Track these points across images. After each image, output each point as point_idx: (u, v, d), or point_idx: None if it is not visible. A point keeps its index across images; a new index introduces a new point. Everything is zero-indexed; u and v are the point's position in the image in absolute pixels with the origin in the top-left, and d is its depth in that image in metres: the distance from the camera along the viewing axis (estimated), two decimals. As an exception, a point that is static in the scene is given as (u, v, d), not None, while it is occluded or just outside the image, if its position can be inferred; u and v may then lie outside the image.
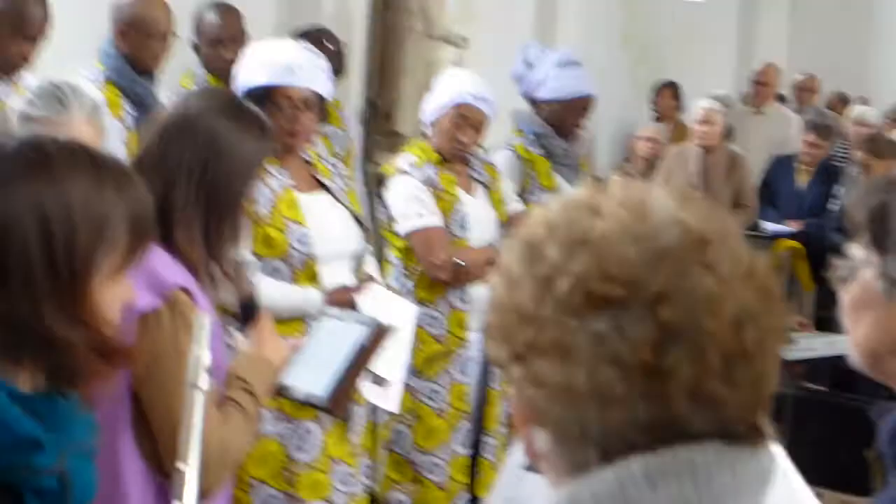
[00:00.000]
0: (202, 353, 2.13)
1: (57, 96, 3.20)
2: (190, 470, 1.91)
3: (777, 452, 1.33)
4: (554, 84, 5.51)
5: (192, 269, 2.75)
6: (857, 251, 1.86)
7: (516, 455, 2.33)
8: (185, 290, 2.67)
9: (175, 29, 5.24)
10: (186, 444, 1.94)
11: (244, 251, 2.95)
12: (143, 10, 5.17)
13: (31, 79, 4.56)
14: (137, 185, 1.81)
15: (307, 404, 3.55)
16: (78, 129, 3.15)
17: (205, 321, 2.13)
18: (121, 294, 1.77)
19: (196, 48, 5.79)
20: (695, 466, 1.25)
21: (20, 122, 3.13)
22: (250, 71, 4.06)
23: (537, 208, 1.37)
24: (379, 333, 3.56)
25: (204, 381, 2.10)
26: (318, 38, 5.92)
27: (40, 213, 1.65)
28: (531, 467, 2.37)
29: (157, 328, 2.60)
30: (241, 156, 2.84)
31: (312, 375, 3.47)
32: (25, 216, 1.65)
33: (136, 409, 2.64)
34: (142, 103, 5.11)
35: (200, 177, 2.78)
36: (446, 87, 4.95)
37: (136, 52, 5.13)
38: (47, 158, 1.70)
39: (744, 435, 1.28)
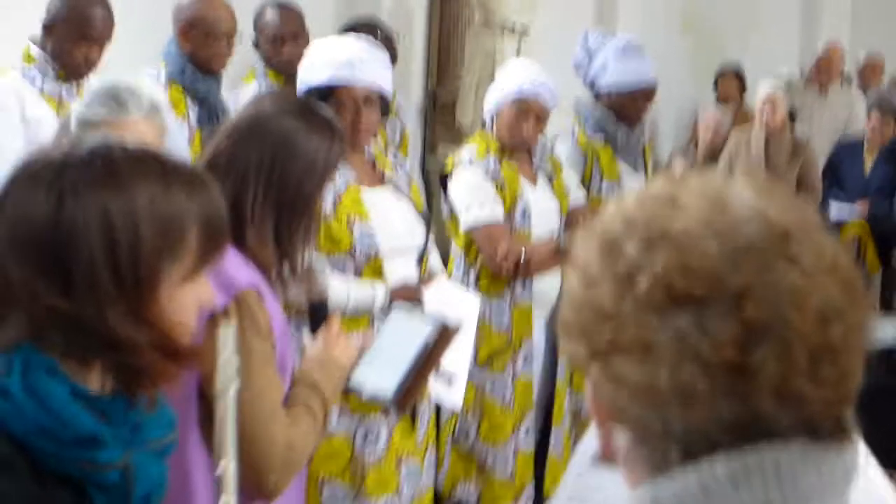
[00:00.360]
0: (231, 357, 2.15)
1: (114, 97, 3.20)
2: (230, 466, 1.92)
3: (859, 446, 1.30)
4: (615, 72, 5.48)
5: (263, 269, 2.78)
6: None
7: (584, 450, 2.33)
8: (256, 290, 2.69)
9: (237, 28, 5.27)
10: (223, 442, 1.95)
11: (314, 251, 2.96)
12: (205, 10, 5.21)
13: (96, 82, 4.62)
14: (209, 189, 1.81)
15: (373, 402, 3.57)
16: (137, 128, 3.16)
17: (230, 330, 2.14)
18: (196, 295, 1.79)
19: (257, 45, 5.82)
20: (779, 466, 1.22)
21: (79, 126, 3.13)
22: (313, 68, 4.06)
23: (612, 202, 1.34)
24: (445, 332, 3.57)
25: (234, 384, 2.11)
26: (368, 29, 5.93)
27: (106, 221, 1.67)
28: (599, 461, 2.38)
29: (223, 326, 2.62)
30: (312, 157, 2.85)
31: (378, 374, 3.48)
32: (91, 223, 1.66)
33: (204, 408, 2.66)
34: (205, 101, 5.16)
35: (271, 177, 2.80)
36: (507, 78, 4.94)
37: (198, 51, 5.17)
38: (115, 166, 1.71)
39: (829, 432, 1.25)
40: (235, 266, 2.64)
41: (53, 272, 1.66)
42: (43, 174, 1.70)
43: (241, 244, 2.70)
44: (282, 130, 2.84)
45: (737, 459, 1.22)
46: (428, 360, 3.54)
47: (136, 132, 3.12)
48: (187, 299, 1.77)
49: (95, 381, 1.73)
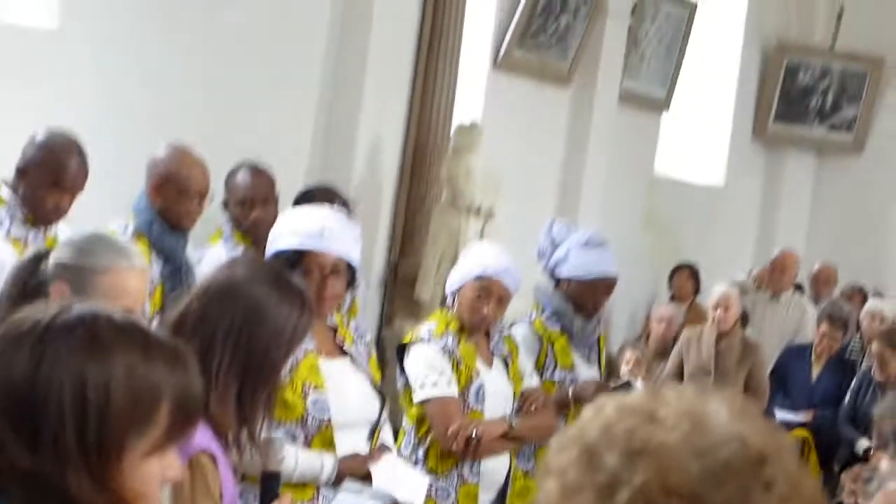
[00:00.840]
0: None
1: (112, 246, 3.17)
2: None
3: None
4: (576, 262, 5.53)
5: (221, 433, 2.78)
6: (884, 463, 1.87)
7: None
8: (210, 454, 2.69)
9: (209, 188, 5.32)
10: None
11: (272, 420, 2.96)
12: (179, 167, 5.23)
13: (65, 230, 4.63)
14: (188, 367, 1.84)
15: None
16: (140, 278, 3.14)
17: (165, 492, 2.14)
18: (161, 468, 1.80)
19: (226, 206, 5.85)
20: None
21: (64, 271, 3.06)
22: (283, 234, 4.11)
23: (591, 409, 1.35)
24: None
25: None
26: (325, 195, 6.00)
27: (79, 386, 1.69)
28: None
29: (177, 487, 2.62)
30: (281, 325, 2.88)
31: None
32: (65, 387, 1.69)
33: None
34: (171, 257, 5.16)
35: (239, 342, 2.82)
36: (472, 258, 5.00)
37: (170, 207, 5.19)
38: (98, 335, 1.74)
39: None
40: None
41: (23, 429, 1.68)
42: (28, 334, 1.74)
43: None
44: (253, 296, 2.87)
45: None
46: None
47: (139, 281, 3.12)
48: (151, 471, 1.78)
49: None
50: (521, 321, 5.61)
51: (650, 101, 10.73)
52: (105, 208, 5.22)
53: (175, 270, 5.18)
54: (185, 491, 2.64)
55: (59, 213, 4.86)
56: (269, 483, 3.11)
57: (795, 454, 1.33)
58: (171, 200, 5.18)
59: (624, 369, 7.67)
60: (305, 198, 6.04)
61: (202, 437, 2.69)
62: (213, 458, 2.71)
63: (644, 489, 1.24)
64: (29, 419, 1.68)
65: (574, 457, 1.31)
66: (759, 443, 1.28)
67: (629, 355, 7.93)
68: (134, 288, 3.08)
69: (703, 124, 11.88)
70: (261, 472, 3.12)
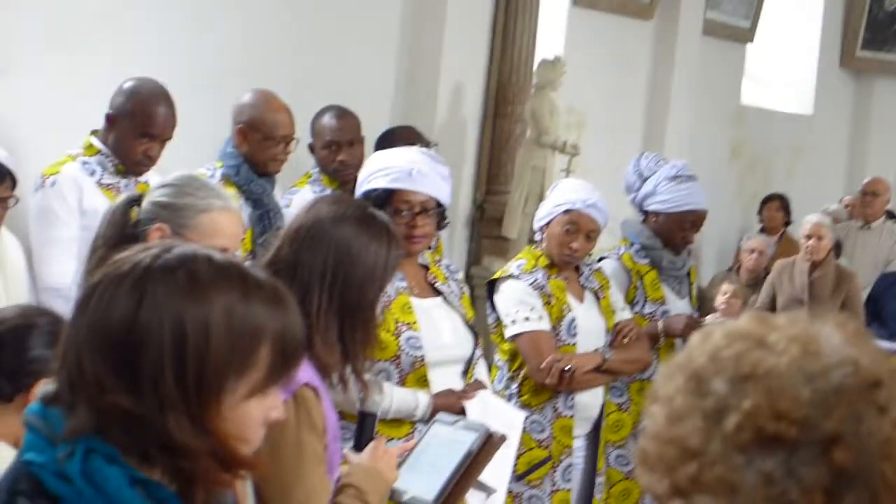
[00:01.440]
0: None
1: (210, 188, 3.19)
2: None
3: None
4: (665, 196, 5.51)
5: (324, 372, 2.81)
6: None
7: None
8: (312, 388, 2.72)
9: (295, 134, 5.35)
10: None
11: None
12: (265, 113, 5.28)
13: (156, 179, 4.69)
14: (288, 307, 1.84)
15: None
16: (235, 219, 3.17)
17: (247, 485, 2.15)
18: (264, 410, 1.81)
19: (312, 150, 5.89)
20: None
21: (161, 210, 3.09)
22: (372, 175, 4.14)
23: (698, 336, 1.34)
24: (489, 442, 3.58)
25: None
26: (406, 135, 6.00)
27: (178, 329, 1.71)
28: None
29: (280, 422, 2.64)
30: (372, 264, 2.91)
31: (420, 480, 3.49)
32: (164, 329, 1.70)
33: (255, 499, 2.69)
34: (259, 202, 5.21)
35: (335, 284, 2.85)
36: (558, 193, 4.99)
37: (255, 153, 5.23)
38: (198, 276, 1.75)
39: None
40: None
41: (122, 371, 1.70)
42: (128, 275, 1.75)
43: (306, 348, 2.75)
44: (343, 238, 2.89)
45: None
46: (470, 468, 3.54)
47: (234, 223, 3.15)
48: (252, 413, 1.79)
49: (157, 475, 1.76)
50: (609, 256, 5.60)
51: (734, 31, 10.59)
52: (194, 156, 5.25)
53: (263, 214, 5.23)
54: (290, 425, 2.67)
55: (149, 161, 4.91)
56: (366, 423, 3.14)
57: None
58: (256, 146, 5.23)
59: (720, 300, 7.62)
60: (386, 139, 6.04)
61: (305, 372, 2.73)
62: (317, 392, 2.74)
63: (753, 414, 1.23)
64: (129, 361, 1.70)
65: (681, 384, 1.30)
66: (872, 366, 1.26)
67: (725, 287, 7.87)
68: (229, 229, 3.11)
69: (789, 54, 11.72)
70: (358, 411, 3.14)
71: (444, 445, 3.60)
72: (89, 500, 1.68)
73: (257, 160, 5.24)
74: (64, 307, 2.77)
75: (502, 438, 3.64)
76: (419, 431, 3.84)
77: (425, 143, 6.12)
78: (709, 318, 5.88)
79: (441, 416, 3.76)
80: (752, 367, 1.26)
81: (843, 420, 1.21)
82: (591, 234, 4.89)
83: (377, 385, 3.06)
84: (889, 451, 1.21)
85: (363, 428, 3.13)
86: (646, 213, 5.62)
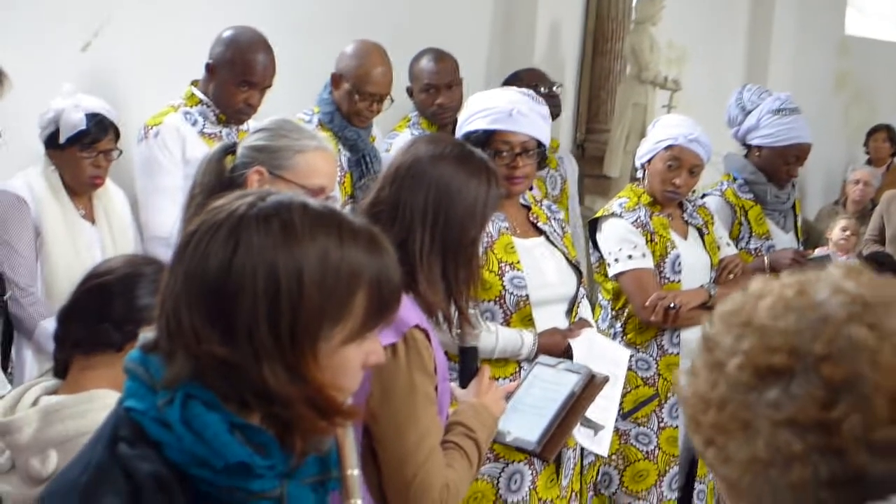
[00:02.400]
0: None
1: (304, 131, 3.20)
2: (355, 473, 1.94)
3: None
4: (768, 130, 5.44)
5: (430, 312, 2.82)
6: None
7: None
8: (422, 330, 2.74)
9: (389, 92, 5.32)
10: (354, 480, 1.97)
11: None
12: (360, 65, 5.29)
13: (265, 121, 4.72)
14: (384, 253, 1.82)
15: (517, 449, 3.59)
16: (326, 161, 3.17)
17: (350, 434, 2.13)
18: (361, 356, 1.80)
19: (410, 93, 5.88)
20: None
21: (258, 153, 3.11)
22: (472, 117, 4.13)
23: (718, 308, 1.45)
24: (591, 383, 3.58)
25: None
26: (530, 80, 5.97)
27: (272, 277, 1.70)
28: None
29: (392, 364, 2.68)
30: (472, 202, 2.90)
31: (524, 420, 3.51)
32: (258, 278, 1.70)
33: (367, 441, 2.72)
34: (355, 147, 5.23)
35: (436, 224, 2.85)
36: (660, 129, 4.94)
37: (342, 103, 5.25)
38: (292, 223, 1.75)
39: None
40: (405, 306, 2.68)
41: (217, 320, 1.70)
42: (223, 223, 1.75)
43: (409, 288, 2.76)
44: (442, 177, 2.89)
45: None
46: (573, 408, 3.55)
47: (330, 164, 3.16)
48: (349, 359, 1.79)
49: (256, 421, 1.77)
50: (712, 192, 5.55)
51: (838, -40, 10.38)
52: (293, 104, 5.28)
53: (360, 159, 5.25)
54: (401, 367, 2.69)
55: (249, 109, 4.94)
56: (467, 357, 3.15)
57: None
58: (344, 96, 5.24)
59: (838, 234, 7.52)
60: (511, 82, 5.96)
61: (414, 313, 2.75)
62: (427, 334, 2.75)
63: (750, 353, 1.35)
64: (223, 310, 1.70)
65: (697, 350, 1.44)
66: (864, 292, 1.36)
67: (845, 224, 7.75)
68: (325, 168, 3.12)
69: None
70: (458, 347, 3.15)
71: (546, 387, 3.60)
72: (189, 446, 1.70)
73: (343, 111, 5.25)
74: (169, 255, 2.81)
75: (605, 380, 3.63)
76: (525, 370, 3.85)
77: (550, 85, 6.10)
78: (817, 251, 5.79)
79: (543, 358, 3.76)
80: (748, 315, 1.38)
81: (830, 341, 1.31)
82: (694, 170, 4.83)
83: (473, 318, 3.06)
84: (875, 357, 1.30)
85: (465, 363, 3.14)
86: (748, 147, 5.56)
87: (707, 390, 1.38)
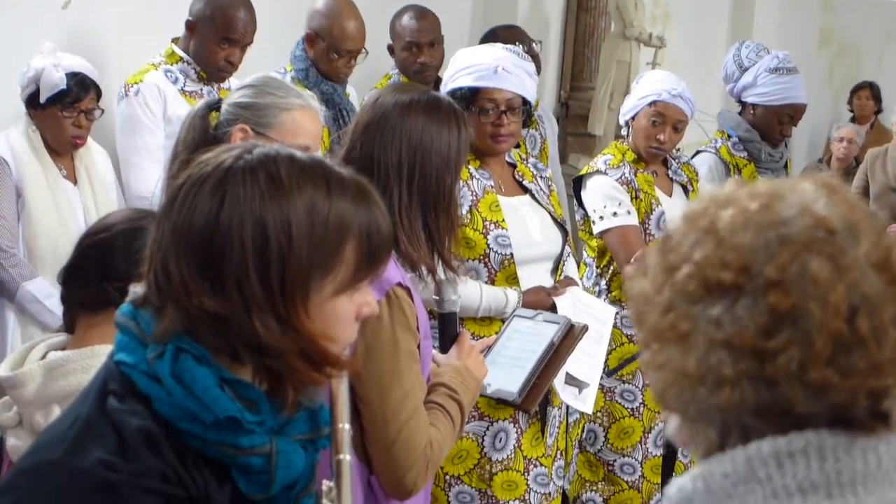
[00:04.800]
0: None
1: (290, 89, 3.16)
2: (345, 427, 1.93)
3: None
4: (764, 89, 5.44)
5: (412, 265, 2.81)
6: None
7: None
8: (404, 288, 2.72)
9: (363, 47, 5.28)
10: (341, 409, 1.95)
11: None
12: (333, 24, 5.23)
13: (237, 84, 4.69)
14: (373, 204, 1.82)
15: (498, 401, 3.60)
16: (311, 120, 3.13)
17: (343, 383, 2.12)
18: (354, 306, 1.79)
19: (391, 51, 5.85)
20: (823, 450, 1.27)
21: (242, 111, 3.07)
22: (456, 73, 4.10)
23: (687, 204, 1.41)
24: (570, 333, 3.59)
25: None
26: (509, 38, 5.93)
27: (260, 229, 1.69)
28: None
29: (375, 322, 2.65)
30: (445, 151, 2.89)
31: (504, 373, 3.52)
32: (246, 230, 1.69)
33: (351, 399, 2.70)
34: (330, 102, 5.18)
35: (412, 175, 2.84)
36: (644, 85, 4.92)
37: (319, 61, 5.21)
38: (279, 176, 1.74)
39: (865, 422, 1.30)
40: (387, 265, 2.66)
41: (207, 273, 1.70)
42: (211, 177, 1.74)
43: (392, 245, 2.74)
44: (414, 130, 2.87)
45: (782, 441, 1.28)
46: (553, 359, 3.57)
47: (315, 122, 3.12)
48: (341, 310, 1.78)
49: (248, 375, 1.76)
50: (706, 149, 5.55)
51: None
52: (274, 61, 5.24)
53: (337, 114, 5.21)
54: (384, 325, 2.67)
55: (230, 67, 4.92)
56: (447, 322, 3.14)
57: (884, 232, 1.34)
58: (320, 56, 5.21)
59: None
60: (489, 39, 5.93)
61: (395, 271, 2.72)
62: (409, 291, 2.73)
63: (701, 263, 1.31)
64: (212, 263, 1.69)
65: (657, 245, 1.40)
66: (832, 217, 1.30)
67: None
68: (310, 127, 3.10)
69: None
70: (437, 313, 3.14)
71: (525, 339, 3.61)
72: (179, 400, 1.69)
73: (320, 69, 5.22)
74: (154, 215, 2.79)
75: (584, 329, 3.64)
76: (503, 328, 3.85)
77: (529, 42, 6.06)
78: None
79: (520, 310, 3.76)
80: (710, 222, 1.33)
81: (784, 267, 1.27)
82: (678, 126, 4.82)
83: (453, 283, 3.06)
84: (823, 294, 1.26)
85: (445, 328, 3.13)
86: (743, 105, 5.55)
87: (653, 292, 1.35)
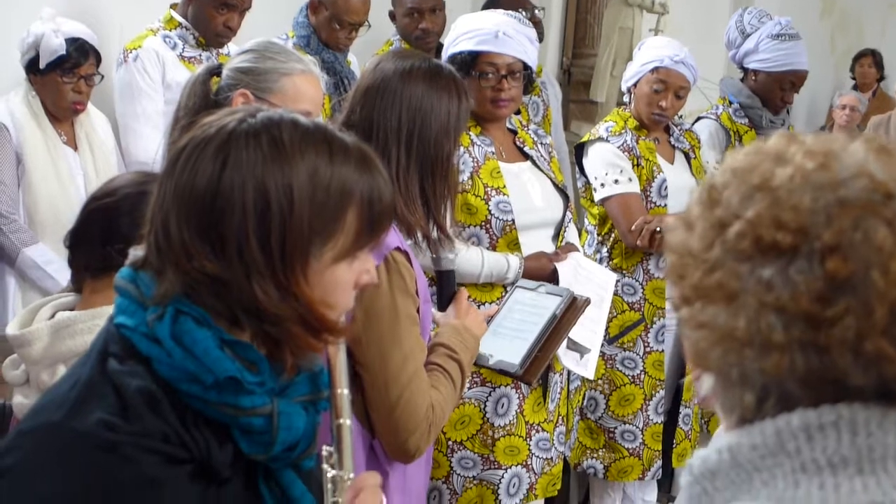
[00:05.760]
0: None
1: (291, 53, 3.15)
2: (344, 393, 1.92)
3: None
4: (766, 55, 5.42)
5: (409, 230, 2.81)
6: None
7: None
8: (403, 252, 2.72)
9: (366, 19, 5.25)
10: (340, 374, 1.94)
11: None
12: None
13: (235, 50, 4.67)
14: (375, 171, 1.81)
15: (499, 372, 3.60)
16: (313, 86, 3.12)
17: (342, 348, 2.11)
18: (353, 274, 1.79)
19: (393, 17, 5.83)
20: (855, 423, 1.24)
21: (244, 76, 3.05)
22: (458, 38, 4.09)
23: (729, 155, 1.38)
24: (573, 305, 3.58)
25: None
26: (510, 5, 5.90)
27: (261, 193, 1.68)
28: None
29: (374, 287, 2.65)
30: (444, 118, 2.89)
31: (506, 344, 3.51)
32: (247, 194, 1.68)
33: (351, 364, 2.70)
34: (332, 70, 5.17)
35: (411, 143, 2.84)
36: (646, 52, 4.90)
37: (321, 30, 5.20)
38: (281, 140, 1.73)
39: None
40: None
41: (207, 236, 1.69)
42: (213, 140, 1.74)
43: None
44: (414, 96, 2.88)
45: (812, 413, 1.25)
46: (555, 331, 3.56)
47: (316, 88, 3.11)
48: (341, 278, 1.77)
49: (247, 338, 1.76)
50: (707, 115, 5.54)
51: None
52: (272, 27, 5.22)
53: (338, 82, 5.20)
54: (383, 290, 2.67)
55: (228, 32, 4.91)
56: (445, 281, 3.14)
57: None
58: (323, 25, 5.20)
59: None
60: (492, 5, 5.92)
61: (394, 236, 2.73)
62: (407, 256, 2.73)
63: (755, 222, 1.26)
64: (213, 226, 1.69)
65: (699, 196, 1.35)
66: (887, 179, 1.26)
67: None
68: (312, 92, 3.08)
69: None
70: (435, 271, 3.14)
71: (527, 310, 3.60)
72: (179, 362, 1.69)
73: (321, 37, 5.20)
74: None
75: (586, 302, 3.63)
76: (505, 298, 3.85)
77: (531, 9, 6.03)
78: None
79: (522, 281, 3.76)
80: (762, 178, 1.29)
81: (842, 231, 1.23)
82: (681, 92, 4.80)
83: (450, 243, 3.08)
84: (885, 262, 1.22)
85: (442, 286, 3.13)
86: (745, 71, 5.54)
87: (700, 248, 1.30)
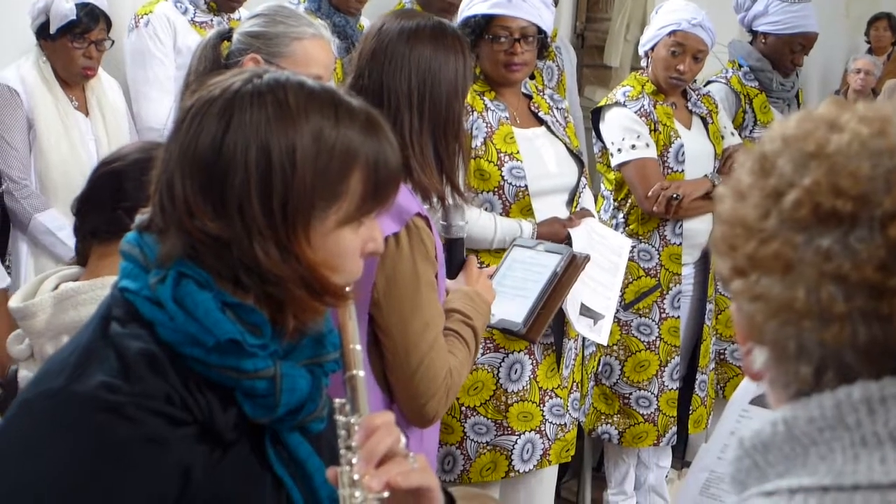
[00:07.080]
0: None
1: (303, 18, 3.13)
2: (356, 348, 1.89)
3: None
4: (776, 18, 5.40)
5: (425, 194, 2.80)
6: None
7: (743, 389, 2.30)
8: (423, 217, 2.71)
9: None
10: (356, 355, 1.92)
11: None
12: None
13: (246, 14, 4.65)
14: (381, 134, 1.79)
15: (503, 330, 3.60)
16: (323, 50, 3.10)
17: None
18: (359, 240, 1.78)
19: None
20: None
21: (254, 40, 3.03)
22: (472, 2, 4.05)
23: (777, 123, 1.33)
24: (573, 262, 3.58)
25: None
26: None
27: (264, 154, 1.67)
28: (757, 401, 2.33)
29: (396, 253, 2.67)
30: (452, 78, 2.90)
31: (507, 302, 3.52)
32: (250, 155, 1.67)
33: (371, 329, 2.71)
34: (343, 34, 5.15)
35: (422, 103, 2.84)
36: (663, 15, 4.85)
37: None
38: (286, 102, 1.72)
39: None
40: (404, 195, 2.65)
41: (210, 195, 1.68)
42: (218, 100, 1.72)
43: (404, 175, 2.72)
44: (422, 58, 2.88)
45: (874, 385, 1.21)
46: (556, 288, 3.57)
47: (327, 52, 3.09)
48: (345, 242, 1.76)
49: (250, 301, 1.75)
50: (717, 79, 5.50)
51: None
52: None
53: (349, 47, 5.17)
54: (404, 255, 2.68)
55: (239, -3, 4.88)
56: (455, 248, 3.15)
57: None
58: None
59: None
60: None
61: (413, 202, 2.73)
62: (428, 221, 2.74)
63: (812, 190, 1.22)
64: (216, 185, 1.68)
65: (749, 164, 1.30)
66: None
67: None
68: (322, 57, 3.06)
69: None
70: (445, 239, 3.14)
71: (527, 269, 3.61)
72: (181, 324, 1.68)
73: (332, 1, 5.18)
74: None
75: (586, 259, 3.64)
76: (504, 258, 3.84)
77: None
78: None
79: (520, 240, 3.76)
80: (817, 145, 1.24)
81: None
82: (699, 56, 4.76)
83: (461, 209, 3.07)
84: None
85: (452, 254, 3.14)
86: (754, 34, 5.51)
87: (755, 218, 1.25)
